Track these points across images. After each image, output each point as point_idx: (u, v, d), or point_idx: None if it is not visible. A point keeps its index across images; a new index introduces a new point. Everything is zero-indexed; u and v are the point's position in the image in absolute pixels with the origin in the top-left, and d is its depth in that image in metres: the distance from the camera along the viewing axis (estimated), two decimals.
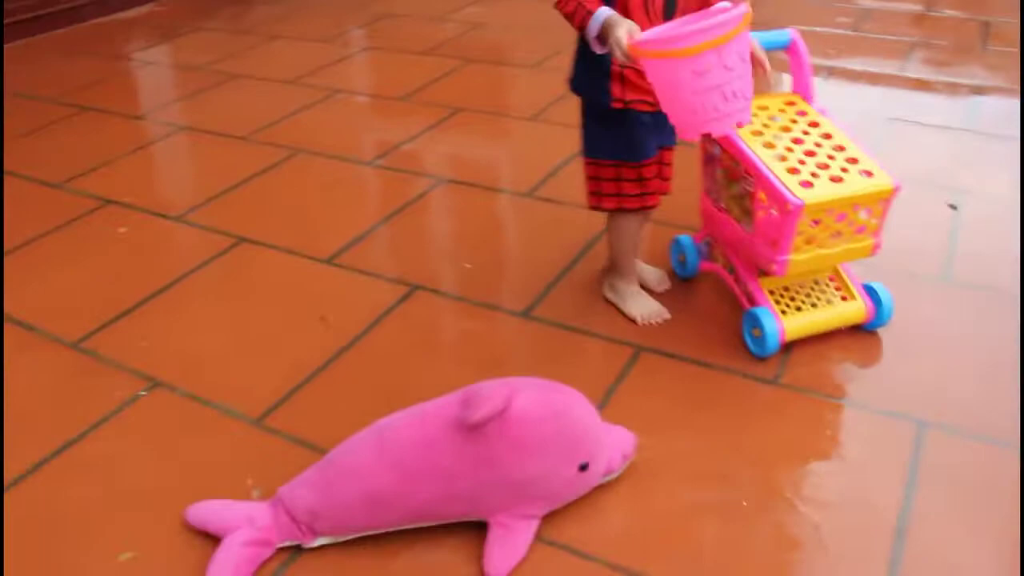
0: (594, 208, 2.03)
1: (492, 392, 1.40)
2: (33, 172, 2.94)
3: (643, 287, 2.15)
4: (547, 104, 3.32)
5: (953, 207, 2.49)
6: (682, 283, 2.20)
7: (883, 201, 1.82)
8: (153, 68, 4.18)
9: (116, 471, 1.66)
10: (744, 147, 1.85)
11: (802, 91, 2.03)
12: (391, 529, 1.46)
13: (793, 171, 1.80)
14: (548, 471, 1.44)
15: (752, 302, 1.95)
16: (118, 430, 1.77)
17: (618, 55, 1.62)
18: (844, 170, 1.83)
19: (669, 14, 1.75)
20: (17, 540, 1.51)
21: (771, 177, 1.78)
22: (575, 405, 1.50)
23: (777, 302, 1.95)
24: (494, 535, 1.43)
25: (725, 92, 1.55)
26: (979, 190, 2.57)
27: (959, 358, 1.89)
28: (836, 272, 2.01)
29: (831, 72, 3.59)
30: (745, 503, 1.53)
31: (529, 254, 2.35)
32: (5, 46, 4.40)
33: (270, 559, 1.44)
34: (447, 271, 2.32)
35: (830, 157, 1.86)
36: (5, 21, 4.45)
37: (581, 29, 1.73)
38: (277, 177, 2.87)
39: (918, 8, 4.46)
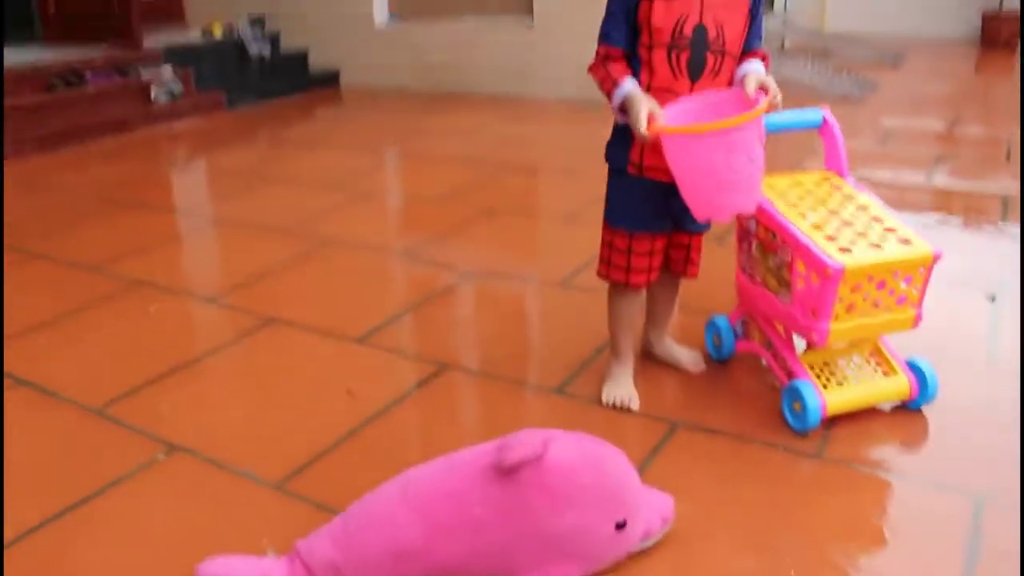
0: (599, 276, 2.00)
1: (528, 438, 1.35)
2: (71, 257, 2.99)
3: (678, 368, 2.10)
4: (581, 207, 3.34)
5: (992, 298, 2.44)
6: (718, 365, 2.14)
7: (924, 268, 1.79)
8: (191, 172, 4.32)
9: (127, 529, 1.59)
10: (780, 217, 1.84)
11: (836, 168, 2.04)
12: None
13: (831, 239, 1.78)
14: (584, 525, 1.36)
15: (792, 376, 1.89)
16: (132, 490, 1.70)
17: (636, 131, 1.67)
18: (883, 238, 1.81)
19: (696, 73, 1.75)
20: None
21: (809, 244, 1.76)
22: (614, 458, 1.43)
23: (817, 376, 1.89)
24: None
25: (736, 184, 1.62)
26: (1015, 282, 2.53)
27: (1010, 434, 1.80)
28: (877, 349, 1.95)
29: (858, 181, 3.61)
30: (794, 573, 1.43)
31: (563, 336, 2.31)
32: (56, 154, 4.58)
33: None
34: (478, 351, 2.28)
35: (868, 226, 1.84)
36: (56, 131, 4.66)
37: (608, 97, 1.77)
38: (308, 266, 2.89)
39: (941, 126, 4.54)
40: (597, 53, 1.81)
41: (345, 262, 2.92)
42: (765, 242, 1.92)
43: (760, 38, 1.84)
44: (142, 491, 1.70)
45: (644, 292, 2.02)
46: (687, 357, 2.13)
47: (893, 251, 1.77)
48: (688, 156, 1.63)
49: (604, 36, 1.80)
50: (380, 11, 6.32)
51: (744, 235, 2.01)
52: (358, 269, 2.87)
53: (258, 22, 6.33)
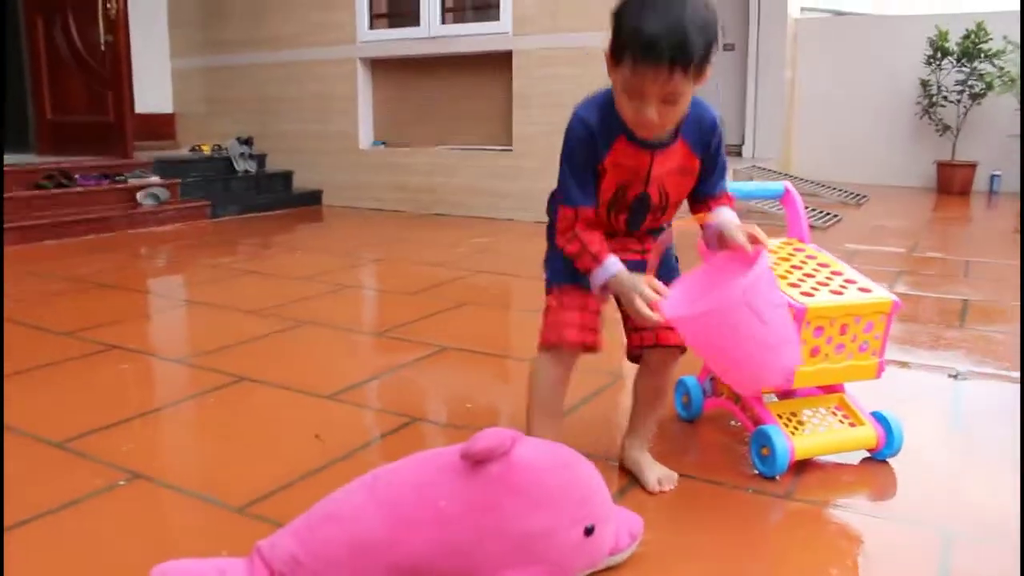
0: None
1: (496, 432, 1.35)
2: (44, 325, 2.99)
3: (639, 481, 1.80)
4: None
5: (955, 376, 2.50)
6: (687, 424, 2.15)
7: (884, 315, 1.85)
8: (170, 264, 4.36)
9: (81, 542, 1.54)
10: None
11: (797, 235, 2.13)
12: None
13: (793, 286, 1.85)
14: (552, 527, 1.34)
15: (759, 423, 1.91)
16: (89, 510, 1.66)
17: (637, 317, 1.52)
18: (843, 287, 1.88)
19: (634, 226, 1.67)
20: None
21: None
22: (582, 462, 1.43)
23: (785, 425, 1.90)
24: None
25: (769, 341, 1.47)
26: (977, 365, 2.59)
27: (977, 482, 1.82)
28: (842, 402, 1.98)
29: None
30: None
31: None
32: (37, 245, 4.64)
33: None
34: (447, 408, 2.28)
35: (828, 279, 1.92)
36: (42, 223, 4.74)
37: (585, 271, 1.60)
38: (281, 339, 2.90)
39: (902, 251, 4.73)
40: (564, 217, 1.60)
41: (319, 338, 2.94)
42: None
43: (724, 178, 1.69)
44: (99, 511, 1.66)
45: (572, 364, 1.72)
46: (655, 474, 1.79)
47: (854, 297, 1.84)
48: (716, 333, 1.46)
49: (568, 198, 1.59)
50: (365, 136, 6.58)
51: None
52: (332, 343, 2.89)
53: (246, 141, 6.57)
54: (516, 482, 1.33)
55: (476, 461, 1.33)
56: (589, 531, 1.38)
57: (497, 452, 1.32)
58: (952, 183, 7.70)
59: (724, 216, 1.60)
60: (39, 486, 1.75)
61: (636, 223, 1.66)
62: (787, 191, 2.14)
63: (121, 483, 1.77)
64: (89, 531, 1.58)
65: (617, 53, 1.46)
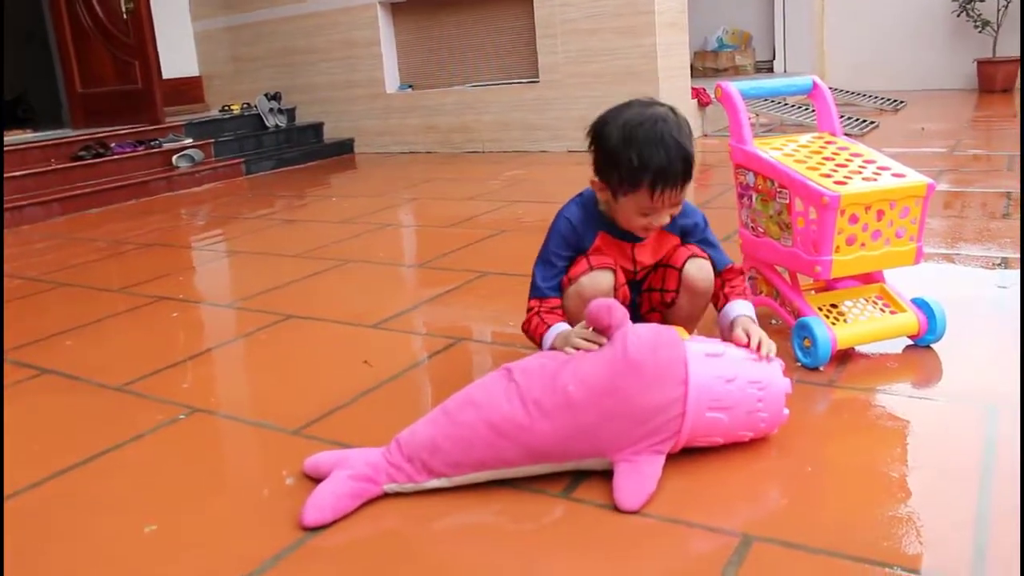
0: None
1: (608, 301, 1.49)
2: (97, 284, 3.08)
3: None
4: None
5: (1000, 264, 2.47)
6: None
7: (919, 199, 1.83)
8: (209, 220, 4.43)
9: (149, 470, 1.62)
10: (777, 163, 1.90)
11: (828, 128, 2.10)
12: (509, 471, 1.42)
13: (826, 176, 1.84)
14: (667, 401, 1.39)
15: (800, 316, 1.91)
16: (155, 441, 1.74)
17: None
18: (877, 174, 1.86)
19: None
20: (57, 515, 1.46)
21: (806, 180, 1.82)
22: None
23: (826, 316, 1.91)
24: (621, 470, 1.39)
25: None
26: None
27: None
28: (883, 291, 1.97)
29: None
30: (810, 469, 1.44)
31: None
32: (80, 215, 4.74)
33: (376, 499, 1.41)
34: (492, 328, 2.32)
35: (861, 167, 1.90)
36: (84, 192, 4.84)
37: (539, 338, 1.73)
38: (326, 279, 2.96)
39: (942, 151, 4.62)
40: (530, 309, 1.77)
41: (361, 274, 2.99)
42: (765, 192, 1.97)
43: (720, 253, 1.82)
44: (164, 441, 1.74)
45: None
46: None
47: (888, 182, 1.82)
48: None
49: (536, 291, 1.78)
50: (391, 80, 6.56)
51: (744, 190, 2.06)
52: (374, 278, 2.94)
53: (275, 97, 6.59)
54: (630, 364, 1.40)
55: (597, 328, 1.47)
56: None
57: (616, 313, 1.44)
58: (994, 81, 7.46)
59: (736, 308, 1.73)
60: (105, 426, 1.83)
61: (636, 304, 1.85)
62: (815, 85, 2.11)
63: (181, 417, 1.84)
64: (155, 459, 1.66)
65: (627, 183, 1.62)
